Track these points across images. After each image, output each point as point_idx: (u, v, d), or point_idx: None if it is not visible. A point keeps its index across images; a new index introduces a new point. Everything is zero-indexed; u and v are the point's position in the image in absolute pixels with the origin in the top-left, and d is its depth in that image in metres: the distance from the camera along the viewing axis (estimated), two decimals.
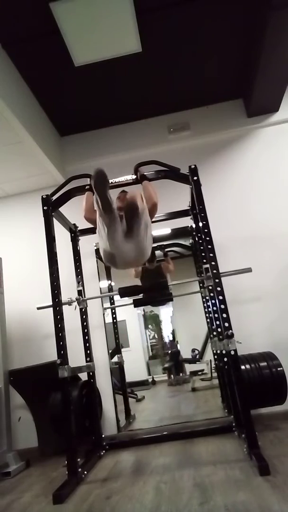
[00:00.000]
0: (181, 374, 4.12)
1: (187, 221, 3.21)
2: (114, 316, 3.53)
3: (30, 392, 3.03)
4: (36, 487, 2.27)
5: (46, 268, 2.49)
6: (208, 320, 3.18)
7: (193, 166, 2.55)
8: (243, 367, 2.41)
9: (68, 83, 3.11)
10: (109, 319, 3.46)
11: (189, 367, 3.99)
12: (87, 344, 2.90)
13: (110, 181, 2.50)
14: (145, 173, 2.55)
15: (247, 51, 3.00)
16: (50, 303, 2.46)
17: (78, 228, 3.16)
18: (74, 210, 2.79)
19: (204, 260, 2.71)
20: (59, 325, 2.38)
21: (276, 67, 2.94)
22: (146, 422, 3.23)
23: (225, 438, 2.47)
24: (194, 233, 3.24)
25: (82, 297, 2.95)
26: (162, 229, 3.25)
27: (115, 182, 2.55)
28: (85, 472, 2.23)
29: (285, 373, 2.42)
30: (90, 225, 2.45)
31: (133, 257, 2.12)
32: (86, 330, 2.93)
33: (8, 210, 3.75)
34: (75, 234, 3.15)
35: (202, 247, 2.83)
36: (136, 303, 3.03)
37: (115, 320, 3.52)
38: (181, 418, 3.10)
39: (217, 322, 2.71)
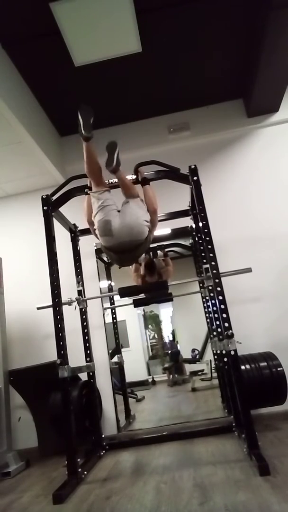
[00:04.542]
0: (177, 375, 4.12)
1: (187, 221, 3.21)
2: (114, 316, 3.53)
3: (30, 392, 3.03)
4: (36, 487, 2.27)
5: (46, 268, 2.49)
6: (208, 320, 3.18)
7: (193, 166, 2.55)
8: (243, 367, 2.41)
9: (68, 83, 3.11)
10: (109, 319, 3.46)
11: (189, 367, 3.99)
12: (87, 344, 2.90)
13: (110, 181, 2.52)
14: (145, 173, 2.55)
15: (247, 51, 3.00)
16: (50, 303, 2.46)
17: (78, 228, 3.16)
18: (74, 210, 2.80)
19: (204, 260, 2.71)
20: (59, 325, 2.38)
21: (276, 67, 2.93)
22: (146, 422, 3.24)
23: (225, 438, 2.46)
24: (194, 233, 3.24)
25: (82, 297, 2.95)
26: (162, 229, 3.25)
27: (115, 182, 2.55)
28: (85, 472, 2.23)
29: (285, 373, 2.42)
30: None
31: (128, 226, 2.16)
32: (86, 330, 2.93)
33: (8, 210, 3.75)
34: (75, 234, 3.15)
35: (202, 247, 2.83)
36: (136, 303, 3.03)
37: (115, 320, 3.52)
38: (181, 418, 3.11)
39: (217, 322, 2.71)
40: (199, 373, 3.82)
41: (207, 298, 3.05)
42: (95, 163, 2.27)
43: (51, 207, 2.59)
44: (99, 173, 2.30)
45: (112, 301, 3.58)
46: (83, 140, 2.20)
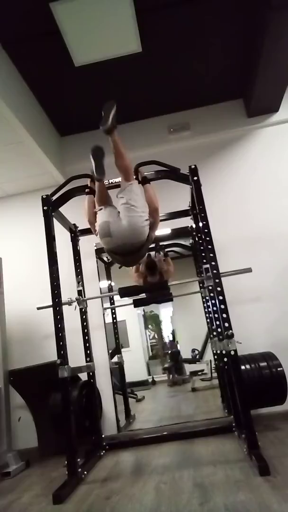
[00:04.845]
0: (177, 375, 4.12)
1: (187, 221, 3.21)
2: (114, 316, 3.53)
3: (30, 392, 3.03)
4: (36, 487, 2.27)
5: (46, 268, 2.49)
6: (208, 320, 3.18)
7: (193, 166, 2.56)
8: (243, 367, 2.41)
9: (68, 83, 3.11)
10: (109, 319, 3.46)
11: (189, 367, 3.99)
12: (87, 344, 2.90)
13: (110, 181, 2.53)
14: (145, 174, 2.55)
15: (247, 51, 3.00)
16: (50, 303, 2.46)
17: (78, 228, 3.16)
18: (74, 210, 2.80)
19: (204, 260, 2.71)
20: (59, 325, 2.38)
21: (276, 67, 2.93)
22: (146, 422, 3.23)
23: (225, 438, 2.46)
24: (194, 233, 3.24)
25: (82, 297, 2.95)
26: (162, 229, 3.24)
27: (115, 182, 2.55)
28: (85, 472, 2.23)
29: (285, 373, 2.42)
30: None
31: (127, 227, 2.14)
32: (86, 330, 2.93)
33: (8, 210, 3.75)
34: (75, 234, 3.15)
35: (202, 247, 2.83)
36: (136, 303, 3.03)
37: (115, 320, 3.52)
38: (181, 418, 3.11)
39: (217, 322, 2.71)
40: (199, 373, 3.82)
41: (207, 298, 3.05)
42: (105, 196, 2.33)
43: (51, 207, 2.59)
44: (108, 203, 2.32)
45: (112, 301, 3.58)
46: (96, 181, 2.25)
